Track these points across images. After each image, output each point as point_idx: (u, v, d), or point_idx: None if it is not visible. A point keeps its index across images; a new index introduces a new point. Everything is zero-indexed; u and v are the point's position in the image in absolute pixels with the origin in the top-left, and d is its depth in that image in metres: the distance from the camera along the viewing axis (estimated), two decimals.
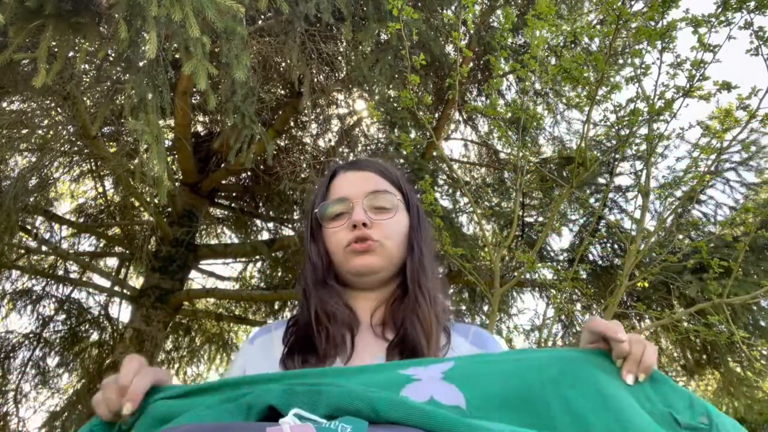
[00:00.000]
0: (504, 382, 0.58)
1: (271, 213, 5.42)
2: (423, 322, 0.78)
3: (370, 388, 0.54)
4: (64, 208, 5.32)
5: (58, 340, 4.93)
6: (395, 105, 3.85)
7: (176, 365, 5.80)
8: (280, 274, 5.46)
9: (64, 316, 5.00)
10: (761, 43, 2.57)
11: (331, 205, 0.84)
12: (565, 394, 0.57)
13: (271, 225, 5.55)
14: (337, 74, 4.16)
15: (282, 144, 4.72)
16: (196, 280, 5.66)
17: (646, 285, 3.87)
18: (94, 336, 5.11)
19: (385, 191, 0.84)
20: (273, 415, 0.48)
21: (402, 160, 4.01)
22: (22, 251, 4.58)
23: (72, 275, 4.99)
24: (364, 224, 0.80)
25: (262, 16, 3.57)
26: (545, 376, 0.58)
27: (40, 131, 3.70)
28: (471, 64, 4.41)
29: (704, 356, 4.23)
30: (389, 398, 0.47)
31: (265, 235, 5.65)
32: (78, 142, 3.80)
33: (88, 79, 3.36)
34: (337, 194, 0.85)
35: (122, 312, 7.02)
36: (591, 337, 0.65)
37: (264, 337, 0.87)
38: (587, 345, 0.66)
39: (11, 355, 4.74)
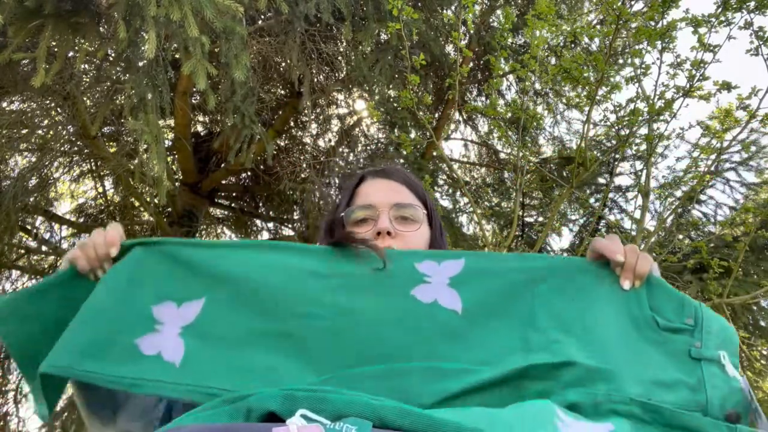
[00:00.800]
0: (498, 295, 0.66)
1: (271, 213, 5.41)
2: None
3: (380, 326, 0.63)
4: (64, 208, 5.31)
5: None
6: (395, 105, 3.85)
7: None
8: None
9: None
10: (761, 43, 2.57)
11: (357, 210, 0.84)
12: (550, 305, 0.65)
13: (271, 225, 5.54)
14: (337, 74, 4.16)
15: (282, 144, 4.72)
16: None
17: None
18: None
19: (411, 204, 0.85)
20: (273, 420, 0.48)
21: (402, 160, 4.01)
22: (22, 251, 4.58)
23: None
24: (389, 233, 0.80)
25: (262, 16, 3.56)
26: (536, 291, 0.66)
27: (40, 131, 3.70)
28: (471, 64, 4.41)
29: None
30: (395, 406, 0.47)
31: (265, 235, 5.64)
32: (78, 142, 3.80)
33: (88, 79, 3.36)
34: (363, 200, 0.86)
35: None
36: (594, 255, 0.70)
37: None
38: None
39: None
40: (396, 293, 0.66)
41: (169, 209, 4.56)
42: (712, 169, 3.62)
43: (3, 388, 4.70)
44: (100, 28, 2.42)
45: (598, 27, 4.02)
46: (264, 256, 0.70)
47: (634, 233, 3.43)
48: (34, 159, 3.86)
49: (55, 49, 2.33)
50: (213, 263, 0.69)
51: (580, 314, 0.64)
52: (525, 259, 0.70)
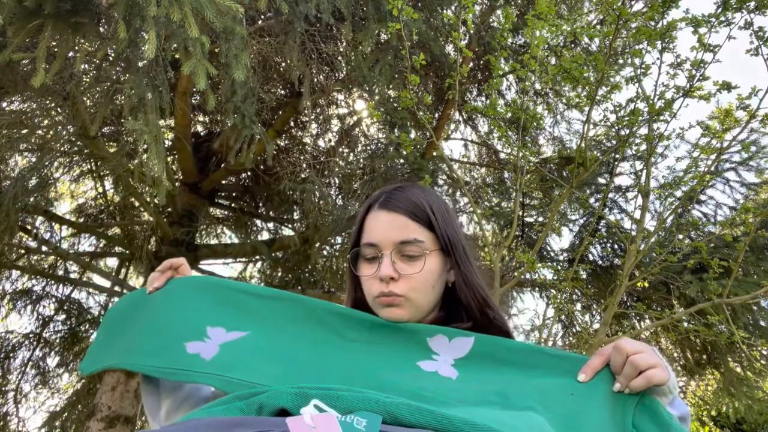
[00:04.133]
0: (493, 393, 0.67)
1: (271, 213, 5.42)
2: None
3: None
4: (64, 208, 5.32)
5: (58, 340, 4.93)
6: (395, 105, 3.85)
7: None
8: (280, 274, 5.45)
9: (64, 316, 5.00)
10: (761, 43, 2.57)
11: (365, 248, 0.85)
12: (535, 390, 0.66)
13: (271, 225, 5.54)
14: (337, 74, 4.16)
15: (282, 144, 4.72)
16: None
17: (646, 285, 3.87)
18: (94, 336, 5.11)
19: (414, 240, 0.82)
20: (285, 416, 0.49)
21: (402, 160, 4.02)
22: (22, 251, 4.59)
23: (72, 275, 4.99)
24: (392, 278, 0.80)
25: (262, 16, 3.57)
26: (530, 395, 0.66)
27: (40, 131, 3.70)
28: (471, 64, 4.41)
29: (704, 356, 4.23)
30: (406, 404, 0.48)
31: (265, 235, 5.64)
32: (78, 142, 3.80)
33: (88, 79, 3.36)
34: (368, 237, 0.85)
35: None
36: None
37: None
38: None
39: (11, 355, 4.74)
40: (403, 362, 0.74)
41: (169, 209, 4.56)
42: (712, 169, 3.62)
43: (3, 388, 4.70)
44: (100, 28, 2.42)
45: (598, 27, 4.02)
46: (306, 314, 0.83)
47: (634, 233, 3.43)
48: (34, 159, 3.86)
49: (55, 49, 2.33)
50: (261, 310, 0.85)
51: (565, 400, 0.65)
52: (527, 356, 0.71)
